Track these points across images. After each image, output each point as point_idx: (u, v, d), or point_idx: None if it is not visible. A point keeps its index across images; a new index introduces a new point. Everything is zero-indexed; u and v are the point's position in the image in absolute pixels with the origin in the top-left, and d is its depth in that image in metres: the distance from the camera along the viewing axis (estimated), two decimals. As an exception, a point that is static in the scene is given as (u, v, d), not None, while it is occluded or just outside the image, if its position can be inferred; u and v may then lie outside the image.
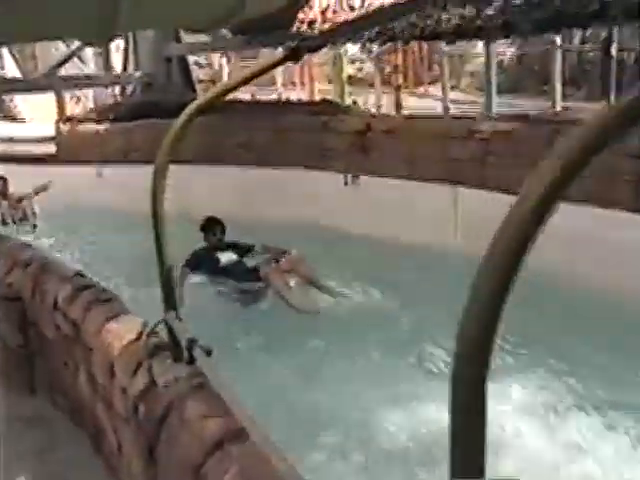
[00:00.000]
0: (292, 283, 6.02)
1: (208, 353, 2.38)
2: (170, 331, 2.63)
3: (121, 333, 3.17)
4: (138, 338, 3.08)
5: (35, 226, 9.62)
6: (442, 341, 5.01)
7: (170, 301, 2.64)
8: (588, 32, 13.66)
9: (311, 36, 2.38)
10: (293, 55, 2.57)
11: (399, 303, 5.99)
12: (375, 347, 5.20)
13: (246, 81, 2.61)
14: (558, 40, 11.61)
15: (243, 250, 6.53)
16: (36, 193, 9.90)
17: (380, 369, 4.92)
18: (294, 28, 11.45)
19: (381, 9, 2.17)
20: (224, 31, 10.88)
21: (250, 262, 6.39)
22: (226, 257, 6.37)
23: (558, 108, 11.52)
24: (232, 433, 2.25)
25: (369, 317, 5.74)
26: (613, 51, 10.30)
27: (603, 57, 10.76)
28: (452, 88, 16.04)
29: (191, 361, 2.45)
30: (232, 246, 6.52)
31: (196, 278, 6.32)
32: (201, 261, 6.35)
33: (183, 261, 6.18)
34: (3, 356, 4.66)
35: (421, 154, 7.66)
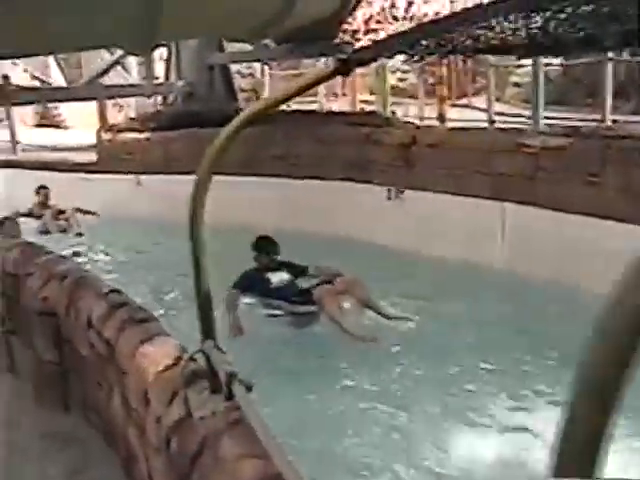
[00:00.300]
0: (346, 306, 5.72)
1: (249, 389, 2.21)
2: (208, 361, 2.46)
3: (157, 357, 3.02)
4: (174, 364, 2.92)
5: (81, 234, 9.57)
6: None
7: (208, 329, 2.47)
8: None
9: (362, 48, 2.23)
10: (344, 67, 2.40)
11: (453, 328, 5.65)
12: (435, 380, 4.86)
13: (296, 93, 2.44)
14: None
15: (296, 271, 6.22)
16: (81, 211, 9.89)
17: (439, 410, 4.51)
18: (337, 38, 11.35)
19: (439, 19, 1.97)
20: (267, 40, 10.81)
21: (303, 283, 6.11)
22: (278, 278, 6.10)
23: (608, 122, 11.15)
24: (269, 477, 2.07)
25: (427, 344, 5.37)
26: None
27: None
28: (496, 100, 15.75)
29: (230, 397, 2.28)
30: (284, 266, 6.22)
31: (246, 299, 6.09)
32: (252, 282, 6.07)
33: (231, 283, 5.99)
34: (37, 371, 4.56)
35: (468, 168, 7.42)
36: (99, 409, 3.95)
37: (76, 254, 8.22)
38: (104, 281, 4.32)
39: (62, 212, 9.84)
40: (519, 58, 1.83)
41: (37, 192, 10.02)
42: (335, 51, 10.33)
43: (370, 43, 2.35)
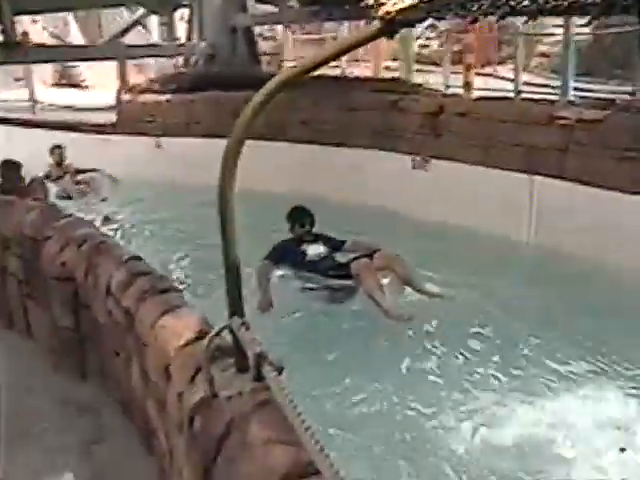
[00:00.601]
0: (385, 282, 5.44)
1: (279, 371, 2.06)
2: (235, 339, 2.31)
3: (178, 330, 2.89)
4: (197, 338, 2.79)
5: (105, 199, 9.26)
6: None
7: (236, 305, 2.32)
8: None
9: (410, 6, 2.06)
10: (389, 28, 2.22)
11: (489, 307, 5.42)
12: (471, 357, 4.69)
13: (335, 56, 2.26)
14: (644, 22, 10.86)
15: (333, 244, 5.96)
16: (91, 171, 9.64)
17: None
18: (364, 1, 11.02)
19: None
20: (292, 2, 10.54)
21: (340, 257, 5.84)
22: (314, 250, 5.83)
23: (640, 94, 10.82)
24: (301, 465, 1.94)
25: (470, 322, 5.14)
26: None
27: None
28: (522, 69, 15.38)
29: (258, 378, 2.14)
30: (321, 239, 5.97)
31: (279, 272, 5.81)
32: (286, 254, 5.81)
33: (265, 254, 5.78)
34: (54, 337, 4.46)
35: (497, 139, 7.19)
36: (116, 378, 3.84)
37: (107, 219, 8.04)
38: (124, 247, 4.19)
39: (81, 172, 9.59)
40: (592, 20, 1.62)
41: (51, 152, 9.66)
42: (362, 14, 10.03)
43: (417, 1, 2.15)
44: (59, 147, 9.69)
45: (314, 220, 5.96)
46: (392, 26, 2.21)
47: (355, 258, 5.52)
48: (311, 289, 5.67)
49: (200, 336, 2.81)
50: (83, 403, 4.02)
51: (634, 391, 4.21)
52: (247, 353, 2.28)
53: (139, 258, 3.88)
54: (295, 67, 2.37)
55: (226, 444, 2.22)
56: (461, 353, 4.73)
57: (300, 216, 5.96)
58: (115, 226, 7.88)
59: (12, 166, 8.28)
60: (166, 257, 6.66)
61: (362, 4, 10.93)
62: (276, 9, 12.65)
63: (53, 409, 4.03)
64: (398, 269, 5.51)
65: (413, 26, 2.32)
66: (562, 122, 6.62)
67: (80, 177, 9.50)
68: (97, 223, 7.37)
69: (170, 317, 3.03)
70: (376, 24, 2.23)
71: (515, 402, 4.15)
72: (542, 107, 7.17)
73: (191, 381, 2.59)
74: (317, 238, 5.95)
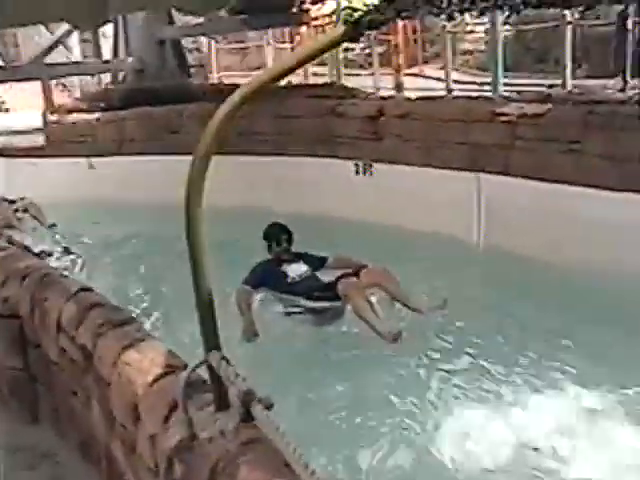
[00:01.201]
0: (374, 300, 5.10)
1: (268, 407, 1.89)
2: (212, 375, 2.13)
3: (144, 366, 2.68)
4: (166, 373, 2.59)
5: (54, 224, 8.23)
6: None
7: (211, 338, 2.14)
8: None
9: (375, 7, 1.92)
10: (354, 32, 2.09)
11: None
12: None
13: (300, 64, 2.11)
14: (569, 15, 11.07)
15: (314, 262, 5.59)
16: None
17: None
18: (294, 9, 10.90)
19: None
20: (220, 12, 10.33)
21: (323, 276, 5.49)
22: (295, 270, 5.46)
23: (568, 87, 10.99)
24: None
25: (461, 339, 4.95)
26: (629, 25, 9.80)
27: (617, 32, 10.24)
28: (444, 68, 15.50)
29: (246, 418, 1.96)
30: (301, 257, 5.61)
31: (259, 296, 5.44)
32: (265, 276, 5.41)
33: (242, 279, 5.41)
34: (1, 378, 4.17)
35: (440, 139, 7.16)
36: (74, 421, 3.58)
37: (67, 250, 7.50)
38: (71, 279, 3.93)
39: (12, 202, 8.89)
40: (587, 9, 1.53)
41: None
42: (292, 21, 9.91)
43: (384, 2, 2.03)
44: None
45: (292, 237, 5.60)
46: (357, 29, 2.08)
47: (340, 277, 5.14)
48: (295, 313, 5.30)
49: (169, 371, 2.62)
50: (38, 450, 3.74)
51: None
52: (228, 390, 2.11)
53: (89, 289, 3.64)
54: (256, 78, 2.20)
55: (214, 492, 2.03)
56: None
57: (277, 233, 5.58)
58: (74, 257, 7.42)
59: None
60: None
61: (291, 11, 10.85)
62: (201, 19, 12.40)
63: (6, 457, 3.74)
64: (388, 285, 5.15)
65: (378, 28, 2.20)
66: (504, 118, 6.61)
67: (16, 205, 8.76)
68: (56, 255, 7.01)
69: (133, 352, 2.82)
70: (340, 28, 2.09)
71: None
72: (482, 104, 7.16)
73: (165, 422, 2.39)
74: (297, 257, 5.59)
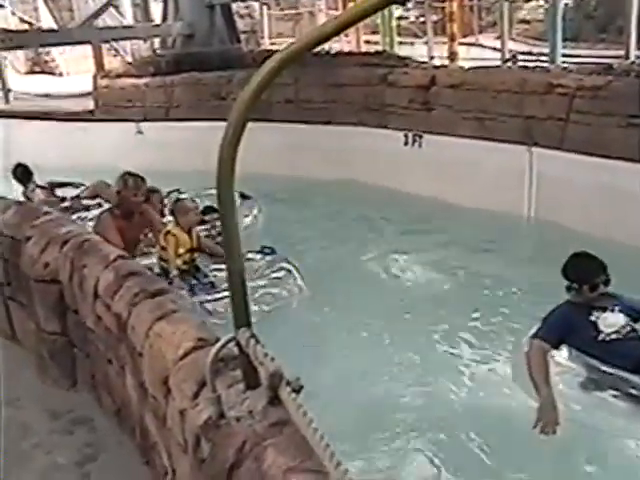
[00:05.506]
0: None
1: (297, 390, 1.80)
2: (242, 354, 2.04)
3: (175, 339, 2.61)
4: (197, 347, 2.52)
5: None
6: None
7: (241, 315, 2.05)
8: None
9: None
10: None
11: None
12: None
13: (340, 30, 1.96)
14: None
15: (635, 308, 3.83)
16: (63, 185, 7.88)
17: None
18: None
19: None
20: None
21: None
22: (611, 320, 3.74)
23: (632, 58, 10.53)
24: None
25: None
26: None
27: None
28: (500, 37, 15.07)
29: (273, 401, 1.87)
30: (617, 301, 3.84)
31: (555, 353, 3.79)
32: (571, 327, 3.78)
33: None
34: (40, 343, 4.17)
35: (493, 110, 6.91)
36: (110, 388, 3.57)
37: None
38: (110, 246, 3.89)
39: (60, 185, 7.91)
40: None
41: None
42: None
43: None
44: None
45: (608, 275, 3.85)
46: (405, -10, 1.93)
47: None
48: (604, 388, 3.58)
49: (200, 345, 2.55)
50: (75, 415, 3.74)
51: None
52: (257, 369, 2.02)
53: (126, 257, 3.59)
54: (294, 44, 2.07)
55: (238, 473, 1.95)
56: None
57: (590, 271, 3.84)
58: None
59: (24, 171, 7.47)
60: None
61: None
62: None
63: (43, 423, 3.75)
64: None
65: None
66: (561, 90, 6.35)
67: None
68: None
69: (165, 323, 2.76)
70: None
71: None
72: (539, 75, 6.89)
73: (194, 398, 2.32)
74: (614, 302, 3.85)
